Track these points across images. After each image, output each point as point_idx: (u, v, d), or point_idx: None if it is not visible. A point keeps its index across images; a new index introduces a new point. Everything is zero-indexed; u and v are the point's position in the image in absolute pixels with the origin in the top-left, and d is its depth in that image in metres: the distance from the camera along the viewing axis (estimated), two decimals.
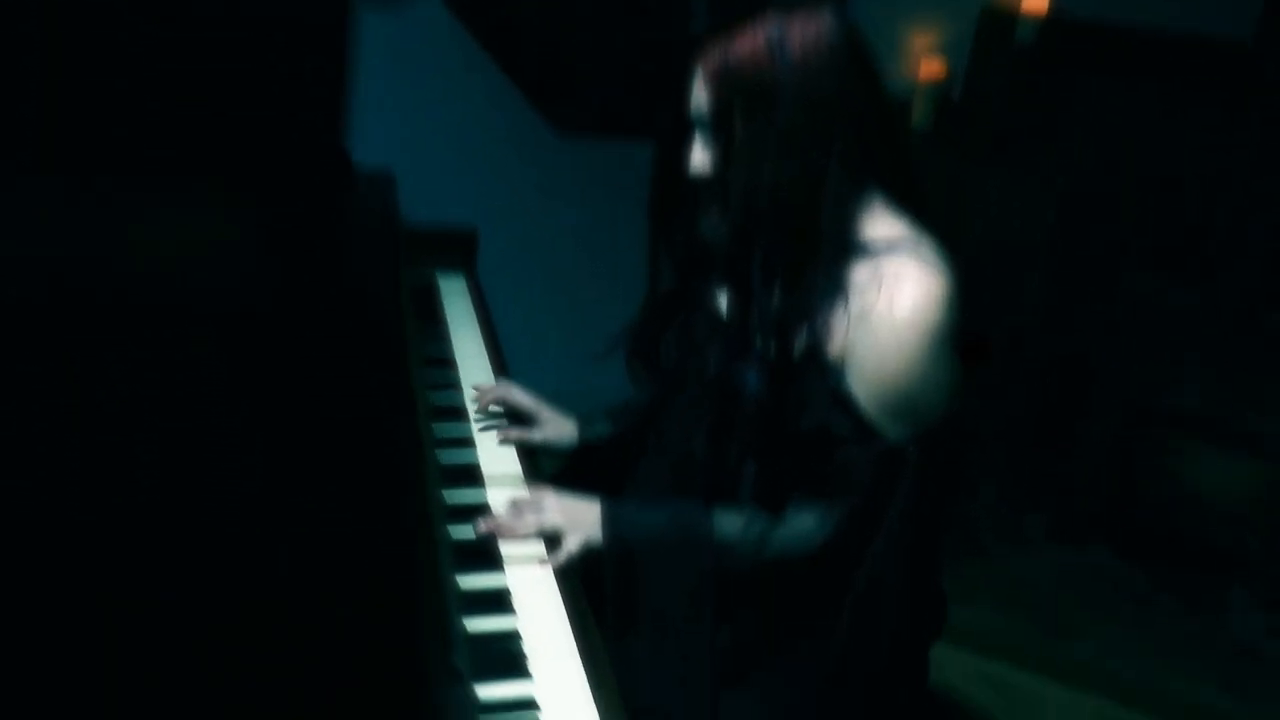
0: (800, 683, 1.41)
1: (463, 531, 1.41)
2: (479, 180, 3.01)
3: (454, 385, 1.79)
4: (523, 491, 1.52)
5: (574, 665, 1.22)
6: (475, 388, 1.74)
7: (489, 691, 1.15)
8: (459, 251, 2.30)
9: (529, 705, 1.15)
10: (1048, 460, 3.43)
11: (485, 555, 1.38)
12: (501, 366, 1.89)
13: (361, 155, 2.11)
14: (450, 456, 1.59)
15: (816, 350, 1.32)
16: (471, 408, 1.71)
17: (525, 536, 1.41)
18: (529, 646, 1.23)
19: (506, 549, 1.40)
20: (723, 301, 1.47)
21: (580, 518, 1.41)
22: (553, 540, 1.41)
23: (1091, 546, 3.34)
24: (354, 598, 0.91)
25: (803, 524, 1.35)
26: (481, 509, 1.46)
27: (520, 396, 1.69)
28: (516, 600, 1.31)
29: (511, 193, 3.05)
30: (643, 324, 1.54)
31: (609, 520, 1.39)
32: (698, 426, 1.43)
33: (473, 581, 1.32)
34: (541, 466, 1.63)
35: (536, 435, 1.65)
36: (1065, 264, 3.34)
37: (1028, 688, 2.62)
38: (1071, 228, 3.32)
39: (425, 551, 1.13)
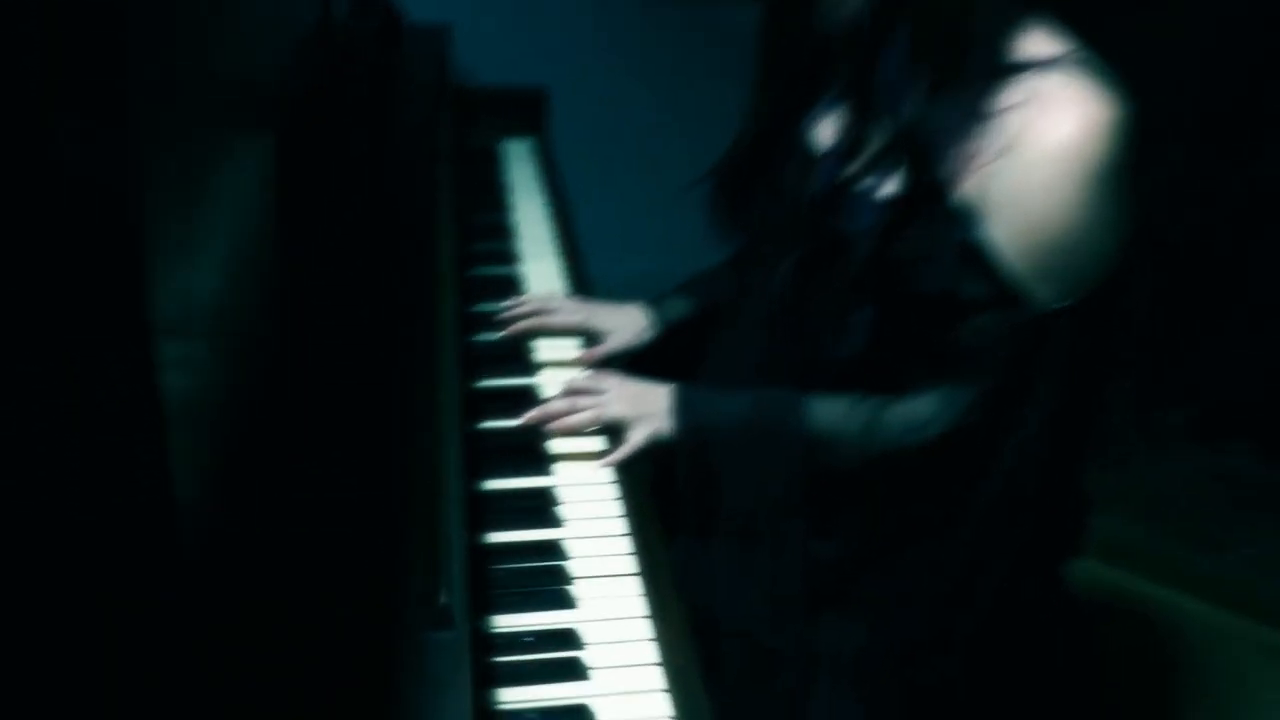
0: (913, 603, 1.17)
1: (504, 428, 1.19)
2: (553, 43, 2.73)
3: (510, 258, 1.56)
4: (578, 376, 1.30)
5: (632, 589, 0.99)
6: (501, 319, 1.40)
7: (523, 621, 0.93)
8: (526, 115, 2.04)
9: (569, 642, 0.93)
10: (1190, 349, 3.07)
11: (527, 453, 1.15)
12: (569, 239, 1.66)
13: (431, 13, 1.96)
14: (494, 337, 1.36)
15: (945, 189, 1.05)
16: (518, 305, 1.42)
17: (581, 428, 1.19)
18: (575, 566, 1.01)
19: (556, 446, 1.17)
20: (824, 137, 1.18)
21: (648, 405, 1.19)
22: (615, 433, 1.18)
23: (1237, 444, 2.99)
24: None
25: (920, 411, 1.10)
26: (527, 396, 1.23)
27: (567, 316, 1.39)
28: (564, 508, 1.08)
29: (589, 57, 2.76)
30: (734, 158, 1.25)
31: (682, 406, 1.17)
32: (791, 286, 1.17)
33: (510, 485, 1.10)
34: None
35: (605, 348, 1.36)
36: (1210, 135, 2.93)
37: (1169, 604, 2.34)
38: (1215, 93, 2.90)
39: (416, 455, 0.90)
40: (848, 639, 1.16)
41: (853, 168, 1.08)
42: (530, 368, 1.31)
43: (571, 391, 1.22)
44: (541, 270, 1.55)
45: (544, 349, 1.35)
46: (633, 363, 1.41)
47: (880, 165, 1.07)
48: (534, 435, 1.18)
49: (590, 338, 1.37)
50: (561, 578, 1.00)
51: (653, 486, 1.23)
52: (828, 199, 1.11)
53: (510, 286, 1.48)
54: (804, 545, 1.15)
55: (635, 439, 1.17)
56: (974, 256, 1.03)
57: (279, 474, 0.75)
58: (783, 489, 1.14)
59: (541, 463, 1.15)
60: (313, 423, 0.82)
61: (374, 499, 0.80)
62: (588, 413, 1.19)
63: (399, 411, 0.89)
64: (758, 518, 1.16)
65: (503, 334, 1.35)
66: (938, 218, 1.05)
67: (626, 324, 1.39)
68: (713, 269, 1.44)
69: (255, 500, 0.69)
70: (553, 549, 1.04)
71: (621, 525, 1.08)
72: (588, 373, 1.29)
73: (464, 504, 0.97)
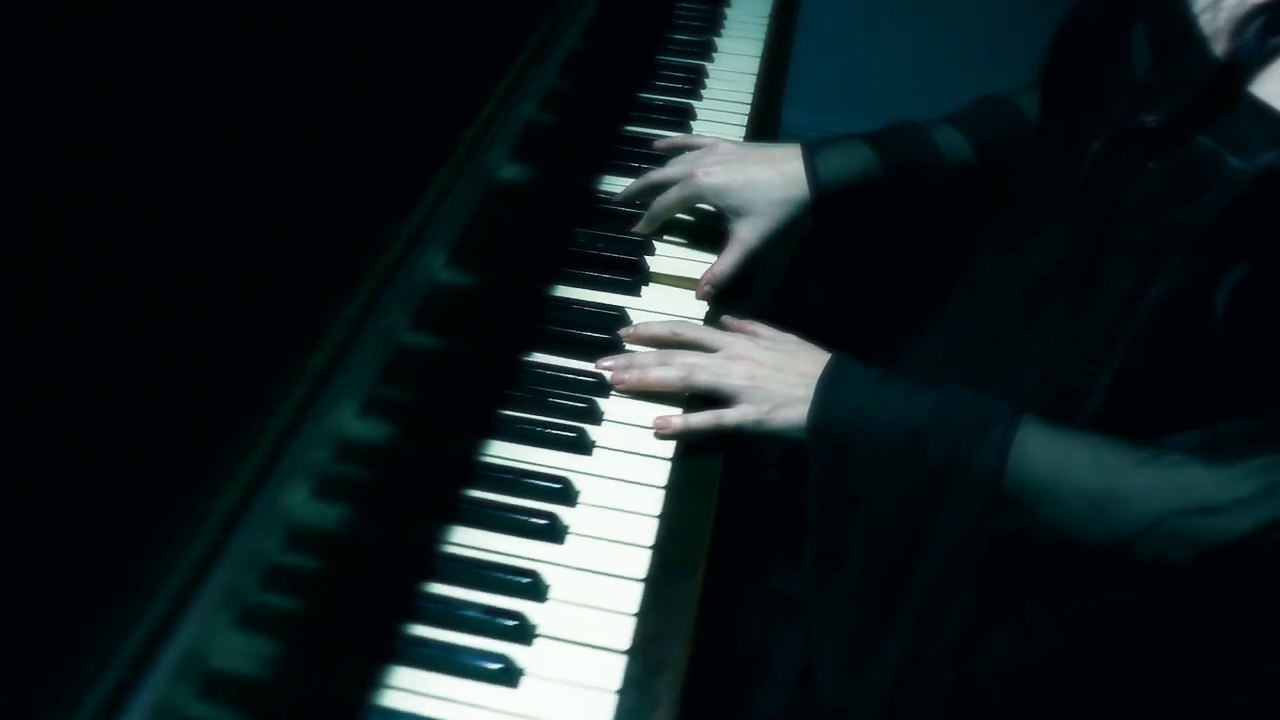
0: None
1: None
2: None
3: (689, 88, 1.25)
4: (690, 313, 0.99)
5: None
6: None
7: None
8: None
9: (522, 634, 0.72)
10: None
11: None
12: (771, 76, 1.34)
13: None
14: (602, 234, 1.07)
15: None
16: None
17: (664, 389, 0.90)
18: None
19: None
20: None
21: (780, 380, 0.86)
22: (712, 402, 0.88)
23: None
24: None
25: (1224, 487, 0.74)
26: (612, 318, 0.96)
27: (696, 181, 1.02)
28: (579, 484, 0.83)
29: None
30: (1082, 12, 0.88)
31: (833, 393, 0.84)
32: (1089, 225, 0.80)
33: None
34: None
35: (726, 263, 1.00)
36: None
37: None
38: None
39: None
40: None
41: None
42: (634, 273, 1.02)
43: (665, 335, 0.93)
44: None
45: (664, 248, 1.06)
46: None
47: None
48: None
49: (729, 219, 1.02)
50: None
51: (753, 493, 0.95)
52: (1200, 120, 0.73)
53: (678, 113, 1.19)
54: (962, 635, 0.82)
55: (734, 417, 0.86)
56: None
57: None
58: (951, 548, 0.80)
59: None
60: None
61: None
62: (690, 375, 0.88)
63: None
64: (903, 578, 0.83)
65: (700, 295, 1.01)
66: None
67: (762, 198, 0.99)
68: (963, 112, 1.06)
69: None
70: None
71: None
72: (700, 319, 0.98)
73: None
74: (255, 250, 0.66)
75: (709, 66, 1.34)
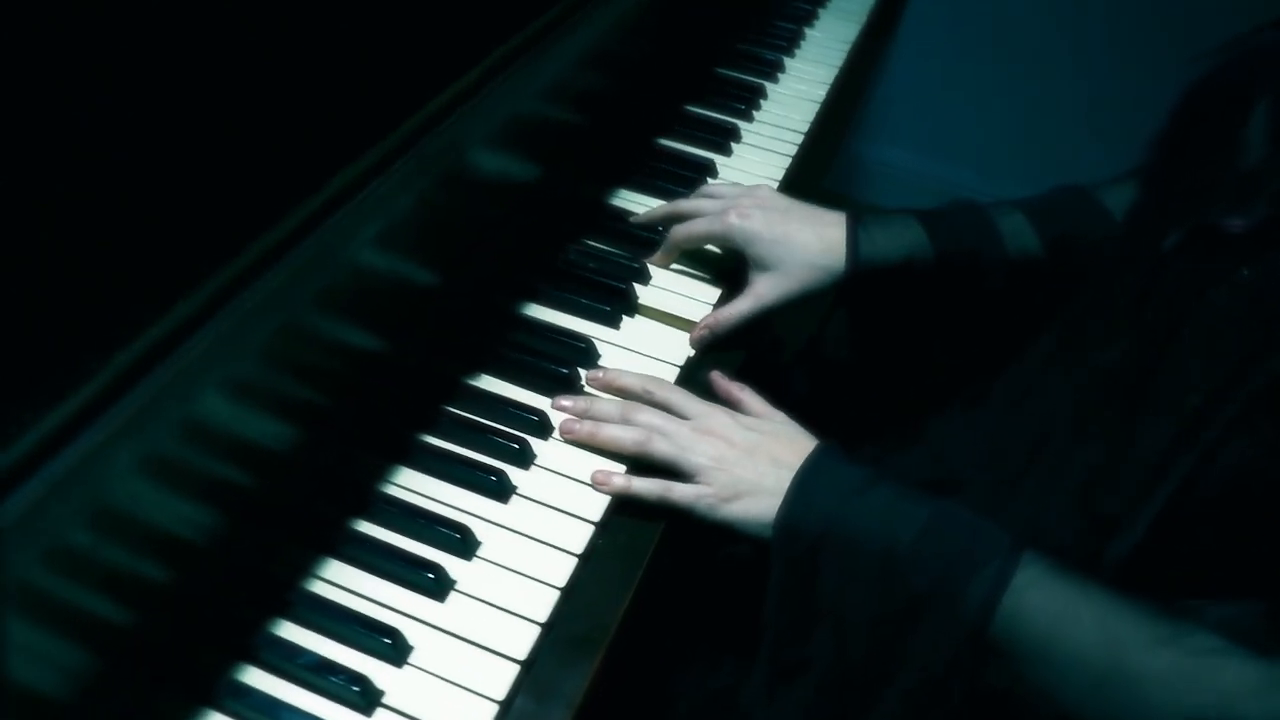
0: None
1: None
2: None
3: (726, 129, 1.13)
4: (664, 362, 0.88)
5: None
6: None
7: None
8: None
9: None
10: None
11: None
12: (829, 123, 1.20)
13: None
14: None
15: None
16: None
17: (617, 450, 0.78)
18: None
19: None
20: None
21: (751, 465, 0.74)
22: (670, 473, 0.76)
23: None
24: None
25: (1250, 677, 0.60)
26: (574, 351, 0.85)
27: (712, 224, 0.91)
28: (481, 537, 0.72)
29: None
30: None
31: (809, 490, 0.72)
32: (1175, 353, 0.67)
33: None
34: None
35: (737, 308, 0.88)
36: None
37: None
38: None
39: None
40: None
41: None
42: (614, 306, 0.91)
43: (636, 389, 0.81)
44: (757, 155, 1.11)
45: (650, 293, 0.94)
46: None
47: None
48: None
49: (751, 268, 0.90)
50: None
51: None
52: None
53: (699, 168, 1.07)
54: None
55: (685, 494, 0.74)
56: None
57: None
58: (919, 691, 0.68)
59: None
60: None
61: None
62: (648, 442, 0.76)
63: None
64: (864, 712, 0.71)
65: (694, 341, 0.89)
66: None
67: (794, 258, 0.87)
68: (1039, 199, 0.93)
69: None
70: None
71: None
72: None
73: None
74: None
75: (770, 88, 1.22)
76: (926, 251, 0.89)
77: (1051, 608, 0.65)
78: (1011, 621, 0.65)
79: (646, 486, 0.75)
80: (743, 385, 0.82)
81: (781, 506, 0.72)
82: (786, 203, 0.91)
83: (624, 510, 0.75)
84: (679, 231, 0.92)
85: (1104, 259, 0.83)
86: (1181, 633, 0.61)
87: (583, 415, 0.79)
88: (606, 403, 0.80)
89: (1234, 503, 0.62)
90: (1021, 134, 2.10)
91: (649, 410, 0.78)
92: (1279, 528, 0.61)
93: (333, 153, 0.63)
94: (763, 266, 0.88)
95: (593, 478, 0.75)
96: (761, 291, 0.88)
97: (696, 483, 0.74)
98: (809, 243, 0.88)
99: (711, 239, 0.92)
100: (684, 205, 0.94)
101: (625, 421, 0.78)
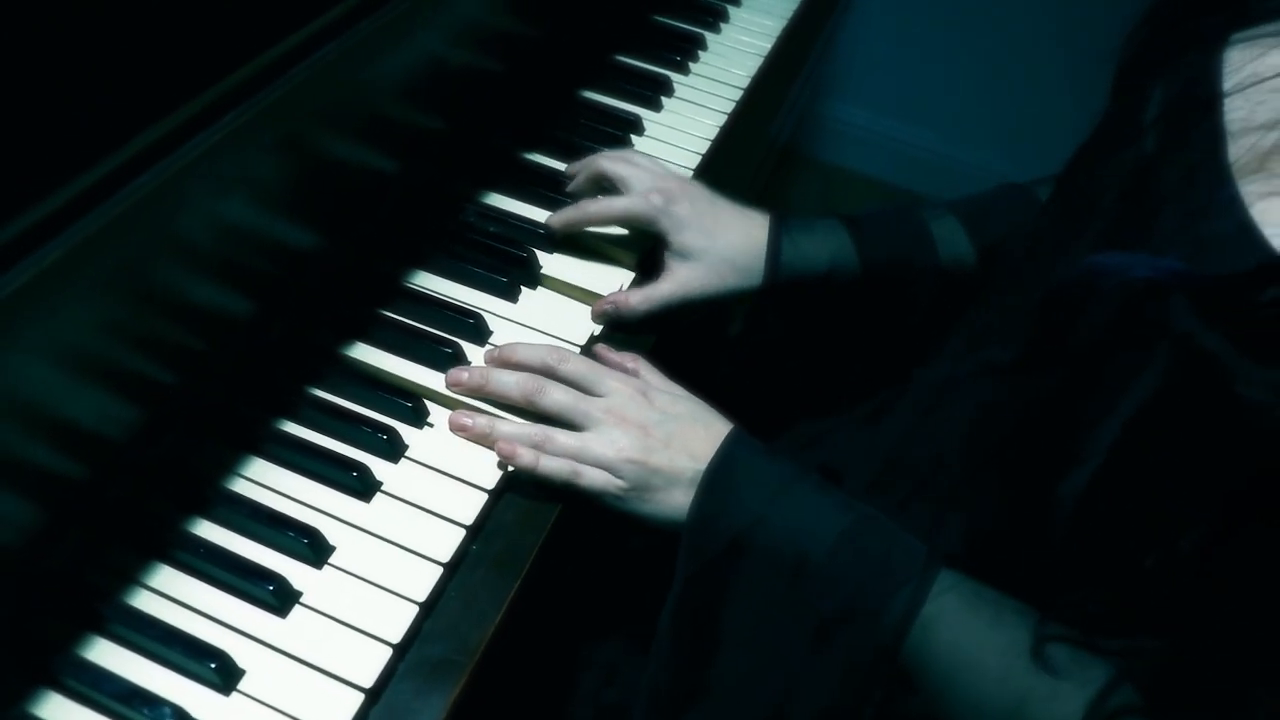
0: None
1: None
2: None
3: (658, 84, 1.04)
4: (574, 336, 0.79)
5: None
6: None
7: None
8: None
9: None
10: None
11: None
12: (769, 90, 1.11)
13: None
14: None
15: None
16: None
17: (505, 445, 0.69)
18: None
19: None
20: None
21: (660, 460, 0.67)
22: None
23: None
24: None
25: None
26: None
27: (629, 204, 0.81)
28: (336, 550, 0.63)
29: None
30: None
31: (722, 482, 0.66)
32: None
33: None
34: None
35: (656, 291, 0.80)
36: None
37: None
38: None
39: None
40: None
41: None
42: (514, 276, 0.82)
43: (537, 365, 0.72)
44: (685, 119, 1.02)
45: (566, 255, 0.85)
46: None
47: None
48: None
49: (661, 252, 0.82)
50: None
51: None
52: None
53: (623, 124, 0.98)
54: None
55: (595, 480, 0.67)
56: None
57: None
58: (841, 710, 0.63)
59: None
60: None
61: None
62: (555, 442, 0.68)
63: None
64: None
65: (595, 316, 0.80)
66: None
67: (718, 253, 0.80)
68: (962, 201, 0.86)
69: None
70: None
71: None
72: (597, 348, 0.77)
73: None
74: None
75: (711, 38, 1.13)
76: (852, 262, 0.82)
77: (958, 647, 0.59)
78: (919, 653, 0.60)
79: (556, 466, 0.67)
80: (635, 356, 0.74)
81: (693, 503, 0.65)
82: (713, 196, 0.83)
83: (504, 509, 0.67)
84: (596, 206, 0.83)
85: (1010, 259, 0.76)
86: (1086, 683, 0.55)
87: (474, 393, 0.70)
88: (507, 378, 0.71)
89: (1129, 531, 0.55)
90: (986, 92, 2.01)
91: (555, 388, 0.70)
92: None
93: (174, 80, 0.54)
94: (686, 256, 0.80)
95: (497, 449, 0.67)
96: (684, 280, 0.80)
97: (607, 470, 0.67)
98: (735, 241, 0.81)
99: (634, 219, 0.82)
100: (607, 167, 0.84)
101: (528, 402, 0.70)
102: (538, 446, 0.68)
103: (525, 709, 0.75)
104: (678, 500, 0.66)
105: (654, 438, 0.67)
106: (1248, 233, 0.48)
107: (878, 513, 0.64)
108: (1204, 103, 0.54)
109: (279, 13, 0.61)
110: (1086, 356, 0.53)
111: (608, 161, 0.85)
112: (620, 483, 0.67)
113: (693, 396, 0.72)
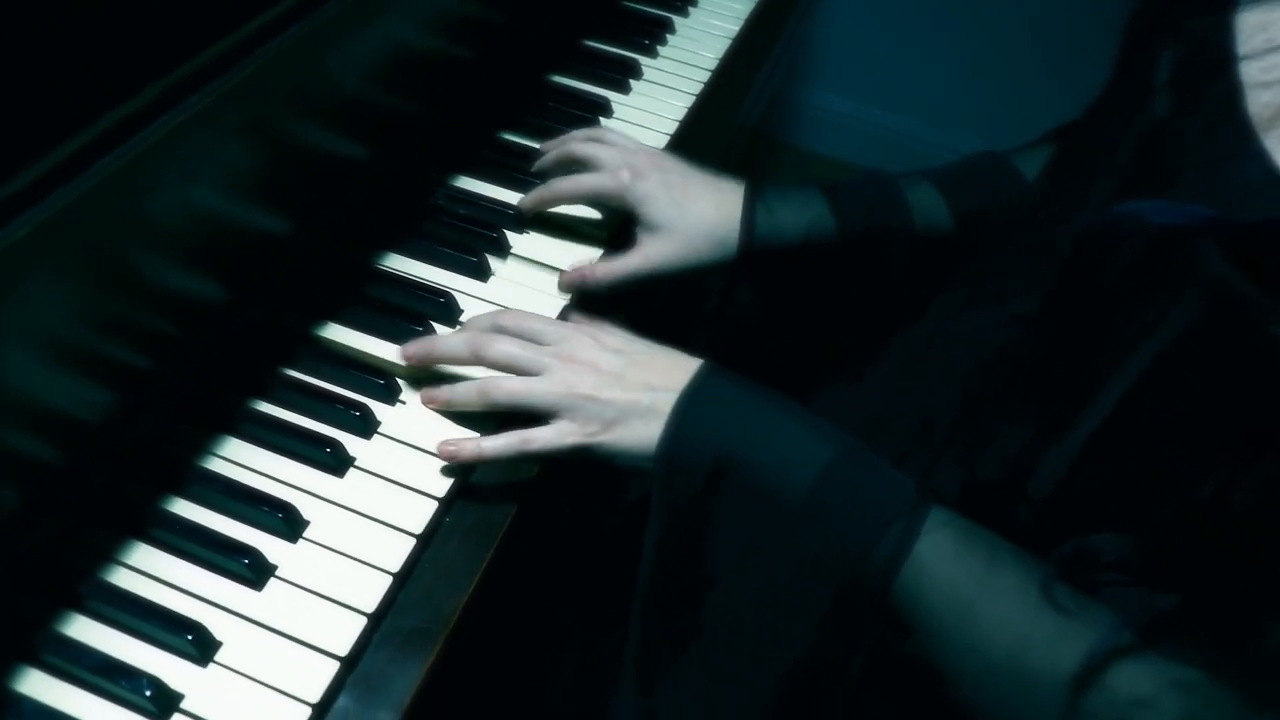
0: None
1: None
2: None
3: (627, 68, 1.05)
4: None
5: None
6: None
7: None
8: None
9: None
10: None
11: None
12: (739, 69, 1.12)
13: None
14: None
15: None
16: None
17: (470, 406, 0.69)
18: None
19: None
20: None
21: (614, 394, 0.66)
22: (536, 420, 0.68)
23: None
24: None
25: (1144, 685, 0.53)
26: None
27: (596, 181, 0.82)
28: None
29: None
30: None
31: (694, 411, 0.64)
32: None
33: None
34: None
35: (622, 264, 0.81)
36: None
37: None
38: None
39: None
40: None
41: None
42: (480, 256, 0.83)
43: (485, 325, 0.71)
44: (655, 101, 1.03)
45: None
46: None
47: None
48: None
49: (632, 227, 0.82)
50: None
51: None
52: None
53: (591, 108, 0.99)
54: None
55: (547, 439, 0.66)
56: None
57: None
58: (813, 665, 0.61)
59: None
60: None
61: None
62: (488, 393, 0.68)
63: None
64: (752, 687, 0.63)
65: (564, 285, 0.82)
66: None
67: (688, 225, 0.80)
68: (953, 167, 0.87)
69: None
70: None
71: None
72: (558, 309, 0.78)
73: None
74: None
75: (679, 21, 1.14)
76: (829, 229, 0.82)
77: (955, 586, 0.57)
78: (911, 593, 0.58)
79: (501, 444, 0.66)
80: (602, 321, 0.73)
81: (665, 430, 0.63)
82: (684, 168, 0.84)
83: (465, 494, 0.67)
84: (564, 184, 0.84)
85: (1019, 214, 0.76)
86: (1091, 624, 0.54)
87: (425, 360, 0.70)
88: (453, 339, 0.71)
89: (1141, 470, 0.56)
90: (965, 78, 2.02)
91: (503, 340, 0.68)
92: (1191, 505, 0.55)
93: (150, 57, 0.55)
94: (655, 229, 0.80)
95: (440, 450, 0.67)
96: (651, 253, 0.80)
97: (559, 420, 0.66)
98: (706, 212, 0.80)
99: (601, 196, 0.83)
100: (578, 149, 0.85)
101: (476, 357, 0.68)
102: (483, 394, 0.67)
103: (502, 677, 0.75)
104: (639, 432, 0.64)
105: (605, 373, 0.66)
106: (1266, 168, 0.49)
107: (864, 446, 0.63)
108: (1218, 63, 0.55)
109: None
110: (1112, 302, 0.54)
111: (578, 144, 0.85)
112: (574, 425, 0.65)
113: (653, 343, 0.70)
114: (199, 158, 0.60)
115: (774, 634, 0.62)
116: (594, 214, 0.86)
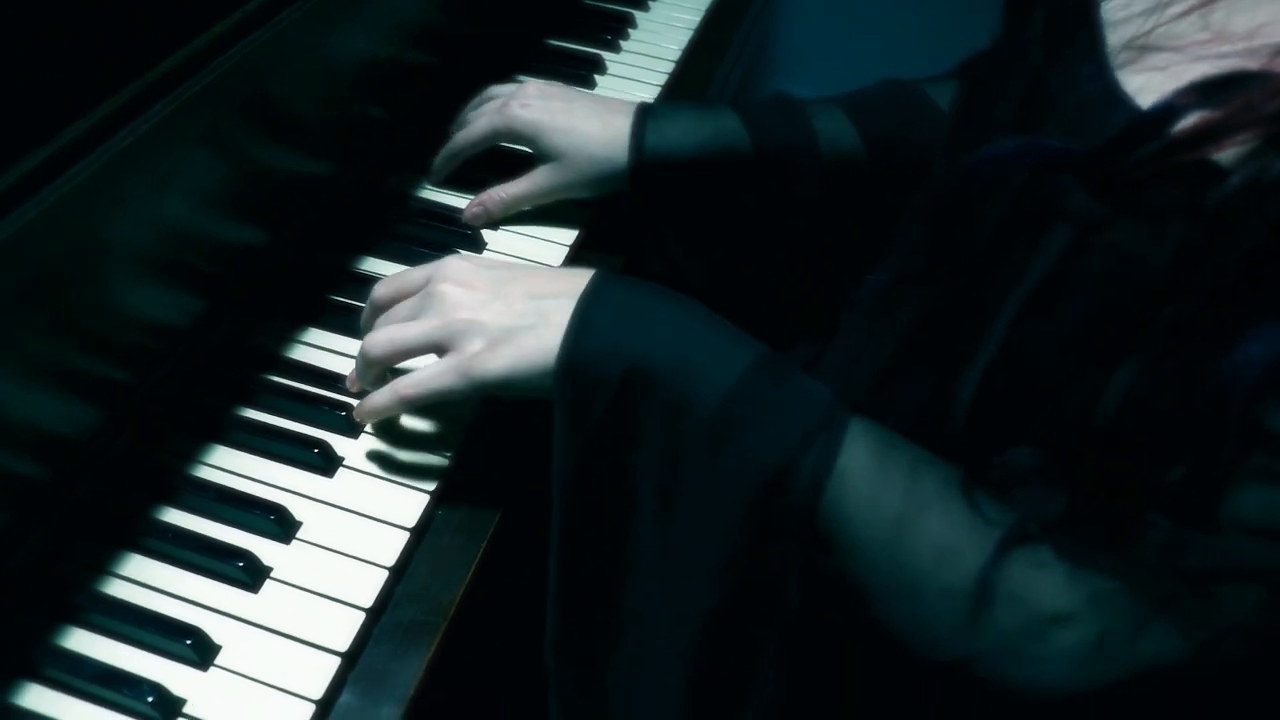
0: None
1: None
2: None
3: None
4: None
5: None
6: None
7: None
8: None
9: None
10: None
11: None
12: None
13: None
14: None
15: None
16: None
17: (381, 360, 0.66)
18: None
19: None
20: None
21: (494, 313, 0.61)
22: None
23: None
24: None
25: (1049, 588, 0.53)
26: None
27: (495, 117, 0.84)
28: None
29: None
30: None
31: (594, 319, 0.59)
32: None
33: None
34: None
35: (520, 185, 0.83)
36: None
37: None
38: None
39: None
40: None
41: None
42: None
43: (371, 308, 0.68)
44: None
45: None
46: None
47: None
48: None
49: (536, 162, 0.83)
50: None
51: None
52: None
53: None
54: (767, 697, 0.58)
55: (429, 380, 0.62)
56: None
57: None
58: (749, 599, 0.57)
59: None
60: None
61: None
62: (396, 330, 0.64)
63: None
64: (686, 619, 0.58)
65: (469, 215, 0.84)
66: None
67: (576, 147, 0.80)
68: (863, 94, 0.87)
69: None
70: None
71: None
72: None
73: None
74: None
75: (640, 16, 1.14)
76: (740, 141, 0.81)
77: (876, 502, 0.55)
78: (833, 510, 0.55)
79: (378, 401, 0.64)
80: None
81: (565, 339, 0.58)
82: (572, 93, 0.85)
83: (449, 496, 0.67)
84: (459, 138, 0.86)
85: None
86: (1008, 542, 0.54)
87: (364, 373, 0.67)
88: (361, 366, 0.67)
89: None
90: (931, 68, 2.03)
91: (378, 332, 0.65)
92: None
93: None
94: (545, 155, 0.82)
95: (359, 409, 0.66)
96: (537, 178, 0.83)
97: (462, 344, 0.61)
98: (591, 133, 0.81)
99: (496, 136, 0.84)
100: (470, 115, 0.87)
101: (378, 363, 0.65)
102: (395, 393, 0.63)
103: (504, 667, 0.75)
104: (530, 346, 0.59)
105: (481, 289, 0.62)
106: (1114, 96, 0.50)
107: (780, 354, 0.59)
108: (1080, 9, 0.57)
109: (197, 3, 0.62)
110: (990, 245, 0.55)
111: (471, 111, 0.87)
112: (454, 357, 0.61)
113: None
114: (163, 168, 0.60)
115: (701, 560, 0.58)
116: (564, 204, 0.86)
